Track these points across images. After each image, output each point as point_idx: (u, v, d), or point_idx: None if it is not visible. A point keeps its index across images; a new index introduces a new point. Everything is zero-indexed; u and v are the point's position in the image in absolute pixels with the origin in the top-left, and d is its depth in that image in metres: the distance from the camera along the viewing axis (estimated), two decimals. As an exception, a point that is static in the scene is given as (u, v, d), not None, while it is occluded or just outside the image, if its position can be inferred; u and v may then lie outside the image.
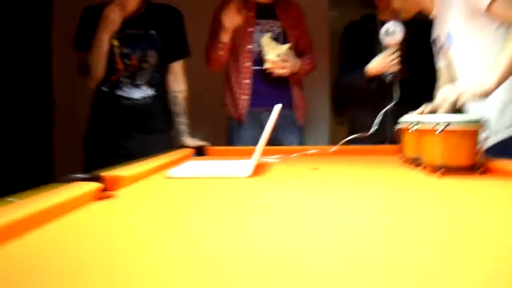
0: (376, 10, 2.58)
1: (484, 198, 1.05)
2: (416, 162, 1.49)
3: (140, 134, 2.30)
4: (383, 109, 2.14)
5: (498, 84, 1.51)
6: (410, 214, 0.88)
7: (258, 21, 2.61)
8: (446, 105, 1.46)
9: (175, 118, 2.39)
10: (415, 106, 1.71)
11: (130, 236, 0.74)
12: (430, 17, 1.97)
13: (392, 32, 2.22)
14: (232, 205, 1.00)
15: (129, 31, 2.26)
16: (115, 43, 2.22)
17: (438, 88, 2.07)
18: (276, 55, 2.47)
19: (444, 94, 1.51)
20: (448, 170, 1.31)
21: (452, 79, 2.03)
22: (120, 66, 2.25)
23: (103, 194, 1.05)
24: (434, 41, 2.06)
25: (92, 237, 0.74)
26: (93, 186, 1.00)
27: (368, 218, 0.84)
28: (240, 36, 2.53)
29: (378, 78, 2.41)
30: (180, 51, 2.43)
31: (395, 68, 2.31)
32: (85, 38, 2.20)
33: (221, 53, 2.54)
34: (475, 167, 1.33)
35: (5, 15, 3.47)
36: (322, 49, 3.88)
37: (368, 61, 2.40)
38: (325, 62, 3.87)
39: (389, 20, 2.35)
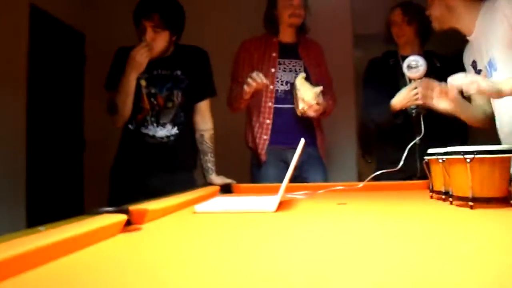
0: (397, 47, 2.60)
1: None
2: (445, 196, 1.46)
3: (163, 173, 2.31)
4: (409, 143, 2.12)
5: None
6: (440, 248, 0.83)
7: (281, 60, 2.65)
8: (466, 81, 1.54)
9: (202, 156, 2.41)
10: (441, 140, 1.70)
11: (154, 267, 0.73)
12: (465, 38, 1.96)
13: (415, 66, 2.22)
14: (258, 239, 0.99)
15: (157, 72, 2.32)
16: (143, 83, 2.28)
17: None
18: (313, 98, 2.49)
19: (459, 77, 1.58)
20: (479, 202, 1.28)
21: (484, 105, 2.03)
22: (146, 105, 2.30)
23: (130, 227, 1.06)
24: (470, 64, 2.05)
25: (117, 267, 0.74)
26: (120, 218, 1.01)
27: (396, 253, 0.80)
28: (264, 75, 2.54)
29: (403, 113, 2.39)
30: (206, 91, 2.47)
31: (419, 102, 2.30)
32: (116, 78, 2.26)
33: (243, 105, 2.62)
34: (508, 198, 1.29)
35: (41, 57, 3.62)
36: (348, 88, 3.92)
37: (391, 96, 2.39)
38: (351, 101, 3.90)
39: (410, 55, 2.36)
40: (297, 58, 2.67)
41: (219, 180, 2.30)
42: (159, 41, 2.26)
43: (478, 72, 1.98)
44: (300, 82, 2.53)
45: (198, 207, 1.42)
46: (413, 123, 2.40)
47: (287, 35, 2.67)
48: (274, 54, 2.62)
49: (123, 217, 1.02)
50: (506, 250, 0.79)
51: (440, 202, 1.49)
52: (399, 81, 2.36)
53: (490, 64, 1.83)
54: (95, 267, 0.73)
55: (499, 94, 1.59)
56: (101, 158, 2.85)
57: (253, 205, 1.46)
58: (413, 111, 2.39)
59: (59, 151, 3.80)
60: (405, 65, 2.25)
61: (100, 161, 2.87)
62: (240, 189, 2.18)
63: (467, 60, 2.08)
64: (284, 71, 2.63)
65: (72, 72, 4.11)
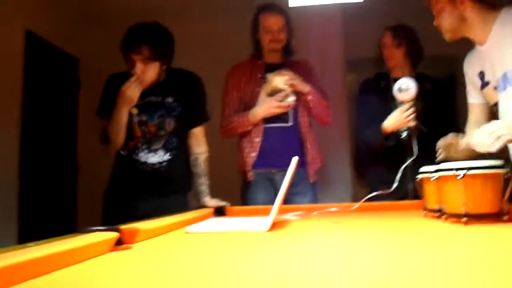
0: (388, 69, 2.63)
1: (509, 246, 1.01)
2: (439, 213, 1.45)
3: (154, 197, 2.31)
4: (402, 165, 2.12)
5: None
6: (434, 265, 0.83)
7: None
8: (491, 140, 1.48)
9: (196, 179, 2.40)
10: (433, 160, 1.70)
11: (143, 286, 0.72)
12: (477, 46, 1.91)
13: (406, 89, 2.25)
14: (251, 257, 0.98)
15: (148, 99, 2.30)
16: (134, 111, 2.26)
17: (469, 124, 2.07)
18: (283, 82, 2.45)
19: (492, 129, 1.51)
20: (473, 218, 1.28)
21: (486, 118, 1.99)
22: (138, 133, 2.29)
23: (121, 246, 1.05)
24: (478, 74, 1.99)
25: (105, 285, 0.73)
26: (110, 235, 0.99)
27: (391, 271, 0.79)
28: (250, 96, 2.57)
29: (395, 135, 2.40)
30: (200, 116, 2.46)
31: (411, 123, 2.31)
32: (108, 106, 2.25)
33: (242, 130, 2.61)
34: (501, 213, 1.29)
35: (36, 81, 3.64)
36: (341, 111, 3.94)
37: (383, 117, 2.40)
38: (344, 124, 3.92)
39: (400, 77, 2.38)
40: None
41: (213, 202, 2.28)
42: (150, 73, 2.23)
43: (486, 83, 1.94)
44: (270, 77, 2.51)
45: (190, 227, 1.41)
46: (405, 144, 2.41)
47: (272, 57, 2.67)
48: (259, 75, 2.62)
49: (113, 235, 1.01)
50: (499, 265, 0.79)
51: (434, 220, 1.49)
52: (390, 103, 2.37)
53: (505, 77, 1.78)
54: (83, 284, 0.72)
55: None
56: (94, 181, 2.84)
57: (246, 225, 1.45)
58: (405, 132, 2.40)
59: (52, 174, 3.78)
60: (395, 87, 2.28)
61: (93, 184, 2.86)
62: (233, 211, 2.16)
63: (470, 70, 2.03)
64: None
65: (66, 97, 4.12)
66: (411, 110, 2.30)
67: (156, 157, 2.31)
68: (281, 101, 2.45)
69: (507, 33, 1.74)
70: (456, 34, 1.88)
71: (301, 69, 2.68)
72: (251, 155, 2.57)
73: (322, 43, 3.92)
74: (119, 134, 2.24)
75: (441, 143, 1.96)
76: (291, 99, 2.42)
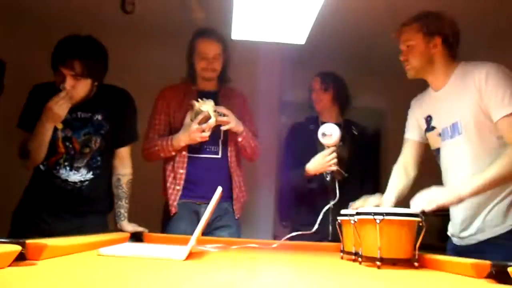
0: (317, 113, 2.71)
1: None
2: (355, 256, 1.48)
3: (71, 216, 2.17)
4: (324, 207, 2.17)
5: (471, 195, 1.63)
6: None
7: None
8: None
9: (116, 201, 2.29)
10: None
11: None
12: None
13: (329, 134, 2.32)
14: (162, 284, 0.94)
15: (75, 115, 2.19)
16: (59, 126, 2.12)
17: (398, 162, 2.11)
18: (211, 107, 2.34)
19: (418, 202, 1.57)
20: (386, 262, 1.31)
21: (414, 158, 2.07)
22: (61, 149, 2.16)
23: (24, 262, 0.97)
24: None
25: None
26: (12, 248, 0.92)
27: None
28: (180, 122, 2.44)
29: (317, 178, 2.45)
30: (128, 136, 2.36)
31: (333, 167, 2.38)
32: (30, 118, 2.11)
33: (165, 155, 2.49)
34: (412, 259, 1.33)
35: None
36: (271, 153, 3.99)
37: (309, 159, 2.44)
38: (273, 165, 3.96)
39: (329, 121, 2.47)
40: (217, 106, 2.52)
41: (130, 227, 2.19)
42: (80, 89, 2.11)
43: (431, 128, 1.99)
44: (197, 105, 2.37)
45: (104, 249, 1.34)
46: (327, 187, 2.47)
47: (205, 84, 2.56)
48: (191, 101, 2.47)
49: (15, 248, 0.93)
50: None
51: (350, 262, 1.51)
52: (317, 146, 2.43)
53: (455, 126, 1.85)
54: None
55: (460, 200, 1.63)
56: (2, 194, 2.65)
57: (162, 252, 1.41)
58: (328, 176, 2.47)
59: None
60: (319, 132, 2.35)
61: (1, 196, 2.67)
62: (151, 238, 2.10)
63: (419, 110, 2.07)
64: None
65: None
66: (333, 155, 2.37)
67: (78, 175, 2.19)
68: (200, 123, 2.33)
69: (462, 84, 1.83)
70: (419, 73, 1.93)
71: (236, 99, 2.62)
72: (175, 189, 2.45)
73: (260, 80, 3.98)
74: (40, 150, 2.10)
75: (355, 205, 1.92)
76: (211, 120, 2.33)
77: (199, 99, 2.37)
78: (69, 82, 2.05)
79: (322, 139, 2.34)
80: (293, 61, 4.18)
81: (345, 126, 2.62)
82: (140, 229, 2.17)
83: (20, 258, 0.98)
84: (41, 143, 2.08)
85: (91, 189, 2.21)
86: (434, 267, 1.37)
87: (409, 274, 1.26)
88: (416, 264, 1.34)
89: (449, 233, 1.99)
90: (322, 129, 2.35)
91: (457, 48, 1.92)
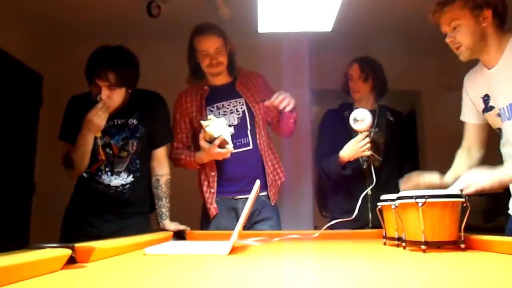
0: (353, 99, 2.68)
1: (466, 273, 1.02)
2: (398, 242, 1.47)
3: (116, 219, 2.24)
4: (361, 193, 2.14)
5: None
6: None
7: (219, 104, 2.51)
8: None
9: (156, 201, 2.35)
10: (392, 190, 1.71)
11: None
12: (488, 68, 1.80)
13: (360, 119, 2.29)
14: (209, 280, 0.95)
15: (112, 122, 2.25)
16: (98, 134, 2.19)
17: (461, 148, 2.01)
18: (224, 127, 2.31)
19: (458, 184, 1.55)
20: (431, 246, 1.29)
21: (477, 141, 1.97)
22: (102, 156, 2.23)
23: (74, 265, 1.01)
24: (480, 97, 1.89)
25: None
26: (63, 252, 0.95)
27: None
28: (200, 125, 2.38)
29: (352, 164, 2.42)
30: (163, 137, 2.42)
31: (366, 153, 2.34)
32: (70, 129, 2.19)
33: (191, 168, 2.51)
34: (458, 242, 1.31)
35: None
36: (306, 142, 3.98)
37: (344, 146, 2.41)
38: (308, 154, 3.95)
39: (365, 108, 2.43)
40: (237, 96, 2.52)
41: (172, 226, 2.24)
42: (115, 98, 2.17)
43: (490, 108, 1.84)
44: (204, 124, 2.31)
45: (149, 249, 1.37)
46: (365, 173, 2.44)
47: (216, 79, 2.53)
48: (203, 101, 2.50)
49: (66, 252, 0.96)
50: None
51: (394, 248, 1.50)
52: (352, 132, 2.40)
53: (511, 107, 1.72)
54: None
55: (501, 185, 1.59)
56: (50, 201, 2.75)
57: (205, 249, 1.43)
58: (364, 162, 2.44)
59: (7, 192, 3.63)
60: (351, 118, 2.32)
61: (50, 204, 2.76)
62: (193, 235, 2.13)
63: (473, 90, 1.92)
64: (225, 114, 2.49)
65: (28, 114, 4.01)
66: (366, 140, 2.34)
67: (119, 179, 2.26)
68: (220, 146, 2.30)
69: None
70: (474, 53, 1.77)
71: (254, 80, 2.59)
72: (211, 192, 2.45)
73: (290, 71, 3.97)
74: (84, 160, 2.17)
75: (405, 185, 1.86)
76: (230, 146, 2.34)
77: (208, 117, 2.34)
78: (104, 93, 2.11)
79: (353, 125, 2.31)
80: (321, 49, 4.15)
81: (380, 112, 2.58)
82: (182, 227, 2.21)
83: (71, 261, 1.01)
84: (84, 153, 2.15)
85: (132, 191, 2.28)
86: (482, 248, 1.34)
87: (457, 256, 1.24)
88: (462, 246, 1.31)
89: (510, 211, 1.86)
90: (353, 115, 2.32)
91: (506, 16, 1.74)
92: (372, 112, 2.39)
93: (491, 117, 1.85)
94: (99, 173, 2.24)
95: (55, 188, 3.04)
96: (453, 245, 1.32)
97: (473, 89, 1.92)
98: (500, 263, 1.12)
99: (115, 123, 2.26)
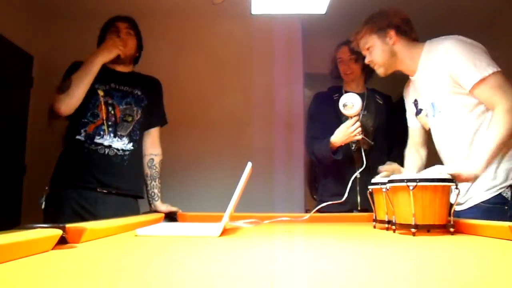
0: (343, 83, 2.67)
1: (455, 256, 1.03)
2: (389, 225, 1.48)
3: (112, 196, 2.16)
4: (350, 177, 2.15)
5: (484, 170, 1.61)
6: (383, 273, 0.83)
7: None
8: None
9: (149, 181, 2.34)
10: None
11: (82, 285, 0.68)
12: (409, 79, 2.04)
13: (350, 105, 2.28)
14: (199, 261, 0.95)
15: (114, 85, 2.24)
16: (101, 93, 2.19)
17: (408, 146, 2.16)
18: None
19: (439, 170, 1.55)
20: (421, 229, 1.30)
21: (420, 142, 2.13)
22: (103, 113, 2.17)
23: (65, 245, 1.00)
24: (408, 102, 2.15)
25: (41, 283, 0.68)
26: (53, 232, 0.95)
27: (340, 278, 0.77)
28: None
29: (343, 149, 2.43)
30: (160, 118, 2.44)
31: (357, 137, 2.35)
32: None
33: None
34: (447, 225, 1.32)
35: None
36: (299, 128, 3.99)
37: (334, 130, 2.41)
38: (300, 137, 3.96)
39: (354, 91, 2.43)
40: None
41: (164, 207, 2.24)
42: (130, 44, 2.30)
43: (419, 111, 2.07)
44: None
45: (140, 230, 1.37)
46: (354, 157, 2.45)
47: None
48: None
49: (57, 232, 0.96)
50: (447, 274, 0.80)
51: (384, 231, 1.51)
52: (342, 116, 2.40)
53: (433, 105, 1.92)
54: (19, 281, 0.68)
55: (476, 178, 1.62)
56: (41, 183, 2.72)
57: (196, 230, 1.43)
58: (353, 145, 2.45)
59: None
60: (340, 103, 2.31)
61: (40, 185, 2.74)
62: (185, 217, 2.13)
63: (408, 98, 2.16)
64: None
65: (18, 94, 3.96)
66: (357, 124, 2.34)
67: (121, 143, 2.20)
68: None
69: (430, 65, 1.87)
70: (388, 68, 2.01)
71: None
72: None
73: (283, 54, 3.95)
74: (83, 82, 2.11)
75: (384, 168, 1.99)
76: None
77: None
78: (123, 31, 2.29)
79: (343, 110, 2.31)
80: (314, 32, 4.12)
81: (368, 95, 2.58)
82: (174, 209, 2.21)
83: (62, 241, 1.01)
84: (86, 73, 2.13)
85: (131, 162, 2.23)
86: (471, 232, 1.36)
87: (446, 240, 1.25)
88: (452, 229, 1.32)
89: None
90: (343, 100, 2.30)
91: (413, 32, 1.98)
92: (361, 95, 2.39)
93: (422, 119, 2.07)
94: (101, 133, 2.17)
95: (45, 169, 3.01)
96: (443, 228, 1.33)
97: (407, 97, 2.16)
98: (488, 246, 1.14)
99: (118, 87, 2.26)
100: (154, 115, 2.39)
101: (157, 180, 2.35)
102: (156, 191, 2.33)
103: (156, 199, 2.31)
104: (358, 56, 2.55)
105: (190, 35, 4.08)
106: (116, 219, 1.50)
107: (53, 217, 2.08)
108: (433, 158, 2.04)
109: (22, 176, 3.93)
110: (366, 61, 2.06)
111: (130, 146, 2.24)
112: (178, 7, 3.64)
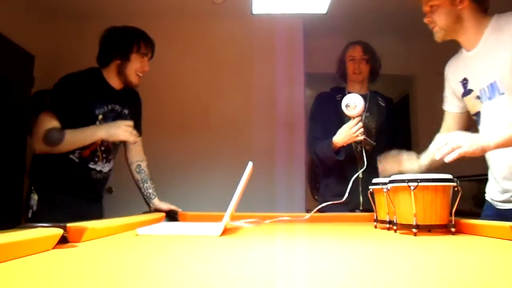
0: (346, 84, 2.66)
1: (456, 256, 1.03)
2: (390, 225, 1.48)
3: (94, 203, 2.33)
4: (352, 177, 2.15)
5: (497, 147, 1.50)
6: (384, 272, 0.83)
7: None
8: (446, 149, 1.45)
9: (141, 184, 2.39)
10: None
11: (83, 284, 0.68)
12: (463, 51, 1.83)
13: (353, 105, 2.28)
14: (200, 261, 0.95)
15: (111, 107, 2.25)
16: (99, 117, 2.19)
17: (440, 132, 1.99)
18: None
19: (447, 140, 1.48)
20: (422, 229, 1.30)
21: (459, 127, 1.94)
22: (98, 140, 2.19)
23: (66, 244, 1.00)
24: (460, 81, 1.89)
25: (42, 282, 0.68)
26: (54, 231, 0.95)
27: (341, 278, 0.77)
28: None
29: (345, 149, 2.42)
30: (141, 129, 2.46)
31: (359, 138, 2.34)
32: (64, 105, 2.11)
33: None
34: (449, 225, 1.32)
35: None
36: (300, 128, 3.99)
37: (336, 130, 2.40)
38: (302, 137, 3.96)
39: (357, 92, 2.42)
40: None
41: (163, 205, 2.26)
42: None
43: (469, 91, 1.85)
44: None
45: (141, 229, 1.37)
46: (356, 157, 2.45)
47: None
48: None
49: (58, 231, 0.96)
50: (448, 274, 0.80)
51: (385, 231, 1.51)
52: (344, 116, 2.39)
53: (493, 86, 1.71)
54: (20, 280, 0.68)
55: (483, 151, 1.53)
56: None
57: (197, 230, 1.43)
58: (357, 146, 2.45)
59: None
60: (343, 104, 2.31)
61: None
62: (186, 217, 2.13)
63: (453, 76, 1.94)
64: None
65: (19, 94, 3.97)
66: (359, 124, 2.34)
67: (109, 166, 2.31)
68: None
69: (497, 40, 1.69)
70: (448, 34, 1.80)
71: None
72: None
73: (284, 53, 3.95)
74: (74, 147, 2.13)
75: (383, 165, 1.95)
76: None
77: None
78: (145, 60, 2.26)
79: (346, 111, 2.31)
80: (315, 31, 4.12)
81: (371, 97, 2.58)
82: (173, 207, 2.23)
83: (63, 241, 1.01)
84: (84, 141, 2.13)
85: (109, 178, 2.39)
86: (472, 231, 1.35)
87: (447, 240, 1.25)
88: (453, 229, 1.32)
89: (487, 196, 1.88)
90: (345, 100, 2.30)
91: (487, 2, 1.76)
92: (364, 97, 2.39)
93: (470, 100, 1.85)
94: (95, 159, 2.22)
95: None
96: (444, 228, 1.33)
97: (452, 75, 1.94)
98: (489, 246, 1.14)
99: (113, 108, 2.27)
100: (137, 127, 2.33)
101: (148, 181, 2.40)
102: (151, 191, 2.37)
103: (153, 197, 2.35)
104: (370, 58, 2.55)
105: (191, 34, 4.08)
106: (116, 219, 1.50)
107: (48, 219, 2.09)
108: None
109: (23, 175, 3.92)
110: (425, 20, 1.82)
111: (111, 165, 2.35)
112: (179, 7, 3.63)
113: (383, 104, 2.61)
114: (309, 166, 4.05)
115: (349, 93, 2.45)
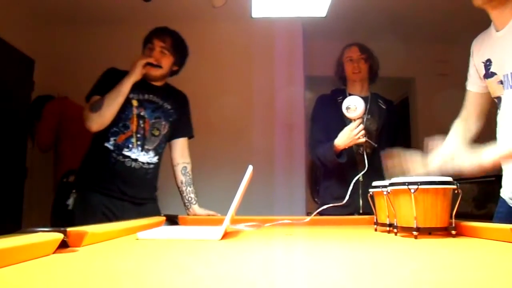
0: (346, 86, 2.67)
1: (456, 259, 1.03)
2: (390, 228, 1.48)
3: (134, 206, 2.27)
4: (352, 180, 2.15)
5: (494, 164, 1.49)
6: (385, 275, 0.83)
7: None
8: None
9: (185, 187, 2.40)
10: (384, 177, 1.71)
11: None
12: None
13: (353, 107, 2.29)
14: (200, 265, 0.95)
15: (147, 96, 2.31)
16: (135, 103, 2.25)
17: (460, 117, 1.92)
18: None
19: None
20: (423, 232, 1.30)
21: (475, 110, 1.87)
22: (134, 126, 2.26)
23: (66, 249, 1.00)
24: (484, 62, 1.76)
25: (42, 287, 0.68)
26: (54, 236, 0.95)
27: (342, 282, 0.77)
28: None
29: (347, 152, 2.43)
30: (189, 129, 2.52)
31: (361, 140, 2.35)
32: (104, 86, 2.23)
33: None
34: (449, 228, 1.32)
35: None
36: (300, 131, 3.99)
37: (338, 132, 2.41)
38: (301, 140, 3.96)
39: (358, 93, 2.43)
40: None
41: (202, 211, 2.31)
42: (163, 63, 2.32)
43: (491, 74, 1.71)
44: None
45: (141, 234, 1.37)
46: (357, 159, 2.45)
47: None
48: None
49: (58, 236, 0.96)
50: (449, 277, 0.80)
51: (385, 234, 1.51)
52: (345, 118, 2.40)
53: None
54: (19, 285, 0.68)
55: (482, 169, 1.50)
56: (42, 186, 2.73)
57: (197, 234, 1.43)
58: (360, 148, 2.45)
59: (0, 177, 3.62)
60: (344, 106, 2.31)
61: (41, 189, 2.75)
62: (186, 221, 2.13)
63: (477, 54, 1.80)
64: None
65: (19, 98, 3.97)
66: (361, 127, 2.34)
67: (147, 157, 2.30)
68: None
69: None
70: (488, 1, 1.60)
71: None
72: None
73: (283, 57, 3.96)
74: (115, 102, 2.17)
75: (388, 162, 1.85)
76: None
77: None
78: (157, 52, 2.29)
79: (346, 113, 2.31)
80: (315, 35, 4.13)
81: (372, 99, 2.58)
82: (211, 212, 2.28)
83: (63, 245, 1.01)
84: (118, 93, 2.18)
85: (153, 175, 2.35)
86: (473, 234, 1.35)
87: (448, 243, 1.25)
88: (453, 232, 1.32)
89: (503, 195, 1.78)
90: (346, 103, 2.31)
91: None
92: (365, 99, 2.39)
93: (492, 84, 1.73)
94: (129, 145, 2.25)
95: (47, 173, 3.02)
96: (444, 231, 1.33)
97: (477, 53, 1.80)
98: (490, 249, 1.14)
99: (150, 99, 2.32)
100: (182, 128, 2.46)
101: (192, 185, 2.42)
102: (193, 195, 2.39)
103: (194, 202, 2.37)
104: (368, 57, 2.56)
105: (191, 38, 4.06)
106: (117, 223, 1.51)
107: (83, 219, 2.13)
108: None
109: (24, 179, 3.93)
110: None
111: (155, 159, 2.34)
112: (179, 11, 3.64)
113: (384, 106, 2.61)
114: (309, 168, 4.05)
115: (350, 95, 2.45)
